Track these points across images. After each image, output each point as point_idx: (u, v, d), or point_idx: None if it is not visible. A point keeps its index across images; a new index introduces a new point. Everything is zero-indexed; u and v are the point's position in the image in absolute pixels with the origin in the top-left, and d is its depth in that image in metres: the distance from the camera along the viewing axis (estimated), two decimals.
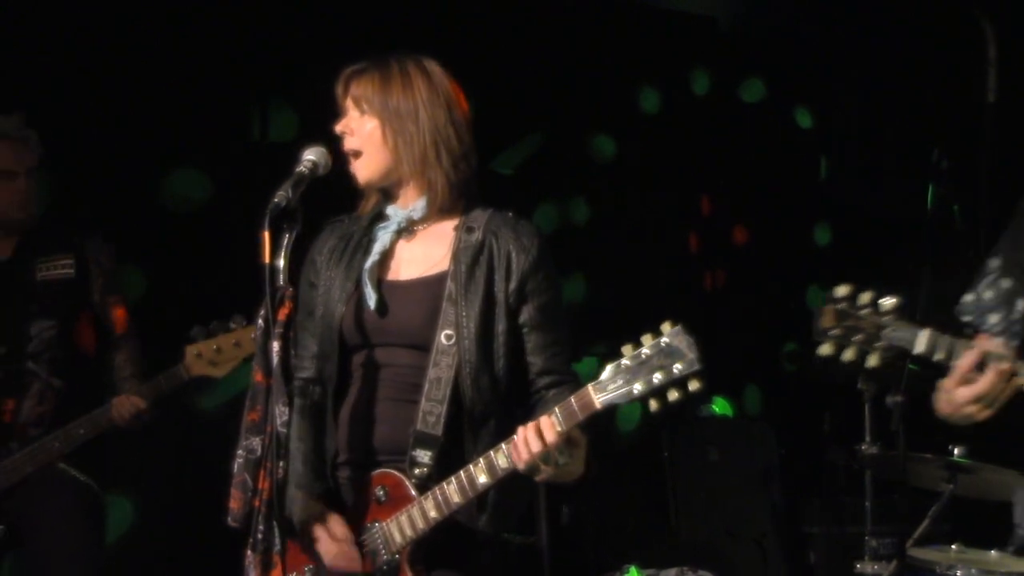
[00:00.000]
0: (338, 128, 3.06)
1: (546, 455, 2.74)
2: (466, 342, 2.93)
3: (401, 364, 3.00)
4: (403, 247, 3.08)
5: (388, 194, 3.11)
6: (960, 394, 2.77)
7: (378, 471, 2.97)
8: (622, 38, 7.34)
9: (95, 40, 5.53)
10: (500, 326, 2.97)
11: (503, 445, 2.80)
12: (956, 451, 4.35)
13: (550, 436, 2.72)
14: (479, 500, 2.90)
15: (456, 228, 3.04)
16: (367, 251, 3.07)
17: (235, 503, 3.04)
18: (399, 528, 2.90)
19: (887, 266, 7.42)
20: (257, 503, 2.86)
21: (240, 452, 3.05)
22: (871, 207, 7.77)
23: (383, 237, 3.06)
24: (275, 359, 2.85)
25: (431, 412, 2.92)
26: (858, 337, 2.74)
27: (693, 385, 2.65)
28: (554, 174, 7.12)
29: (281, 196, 2.88)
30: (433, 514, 2.86)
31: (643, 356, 2.66)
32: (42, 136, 4.59)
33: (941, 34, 6.91)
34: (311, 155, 2.96)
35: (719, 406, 7.37)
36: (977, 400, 2.76)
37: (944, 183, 4.09)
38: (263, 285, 2.83)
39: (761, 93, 8.03)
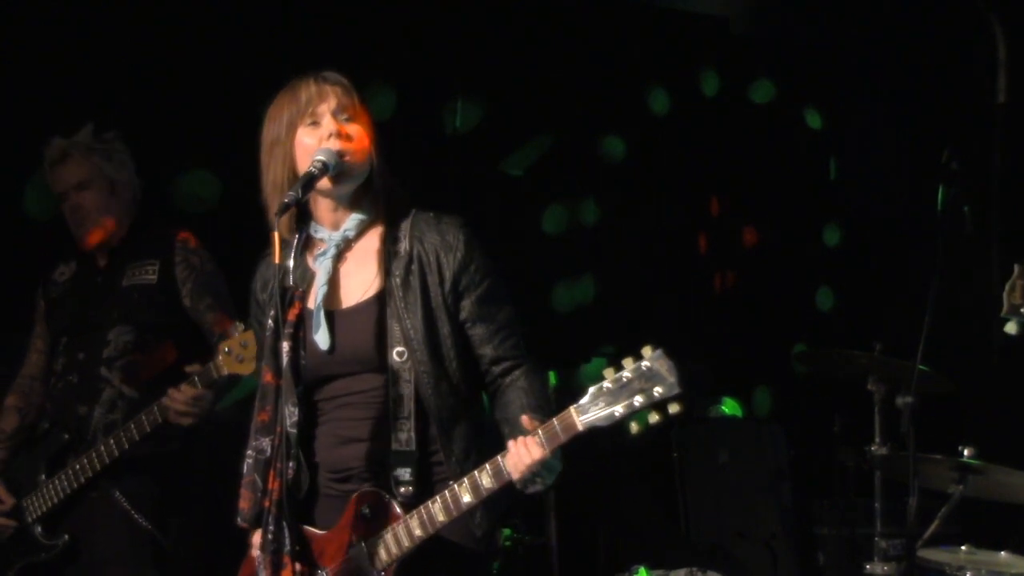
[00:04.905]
0: (332, 129, 3.01)
1: (533, 470, 2.78)
2: (418, 354, 2.97)
3: (366, 388, 3.02)
4: (341, 271, 3.08)
5: (304, 216, 3.08)
6: None
7: (362, 490, 2.97)
8: (632, 39, 7.34)
9: (104, 42, 5.54)
10: (445, 329, 3.01)
11: (487, 465, 2.83)
12: (966, 452, 4.34)
13: (536, 453, 2.77)
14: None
15: (382, 239, 3.06)
16: (310, 283, 3.06)
17: (245, 503, 3.05)
18: (384, 546, 2.92)
19: (896, 268, 7.42)
20: (267, 503, 2.87)
21: (250, 452, 3.06)
22: (881, 208, 7.76)
23: (325, 264, 3.06)
24: (285, 359, 2.86)
25: (402, 430, 2.97)
26: None
27: (673, 408, 2.67)
28: (564, 175, 7.12)
29: (291, 196, 2.89)
30: (418, 532, 2.88)
31: (624, 379, 2.70)
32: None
33: (951, 35, 6.90)
34: (320, 155, 2.95)
35: (729, 407, 7.36)
36: None
37: (954, 184, 4.07)
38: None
39: (771, 94, 8.02)
